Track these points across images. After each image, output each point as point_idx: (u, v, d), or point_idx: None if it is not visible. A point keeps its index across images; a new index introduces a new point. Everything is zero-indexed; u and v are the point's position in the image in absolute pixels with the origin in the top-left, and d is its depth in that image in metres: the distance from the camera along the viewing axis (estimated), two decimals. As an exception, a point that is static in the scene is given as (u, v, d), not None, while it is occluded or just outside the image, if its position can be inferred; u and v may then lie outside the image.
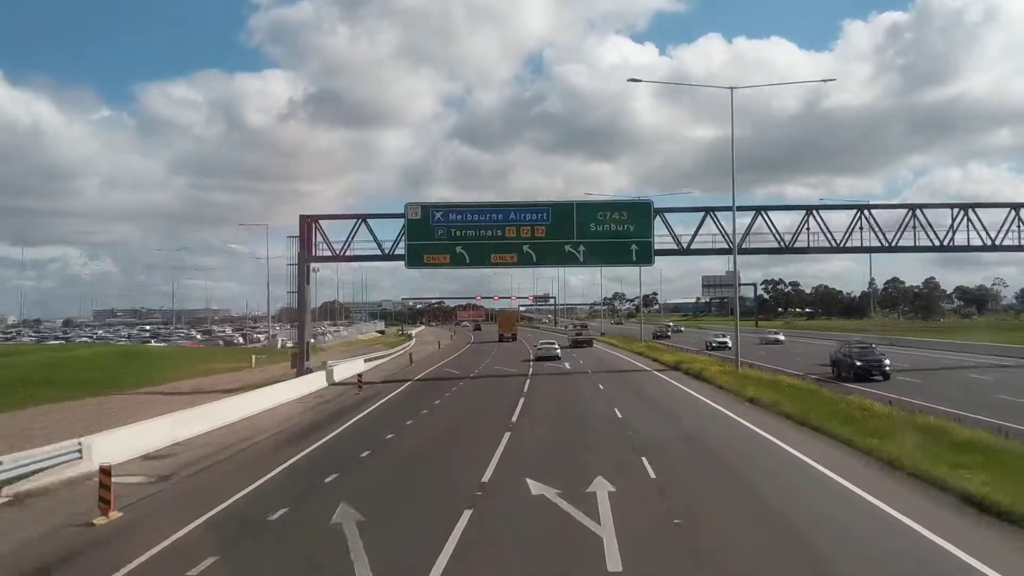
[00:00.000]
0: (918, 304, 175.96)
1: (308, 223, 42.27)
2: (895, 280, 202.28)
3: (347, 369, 46.04)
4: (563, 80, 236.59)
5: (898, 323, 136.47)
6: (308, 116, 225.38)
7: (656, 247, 42.14)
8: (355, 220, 42.57)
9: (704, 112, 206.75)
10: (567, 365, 51.44)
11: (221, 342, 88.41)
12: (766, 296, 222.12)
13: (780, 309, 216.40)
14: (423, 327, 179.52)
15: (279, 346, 78.28)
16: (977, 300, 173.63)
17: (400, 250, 41.92)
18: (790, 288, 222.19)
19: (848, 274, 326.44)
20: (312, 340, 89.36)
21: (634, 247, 41.69)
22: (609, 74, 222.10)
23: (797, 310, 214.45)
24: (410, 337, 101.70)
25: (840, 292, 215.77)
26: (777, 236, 42.13)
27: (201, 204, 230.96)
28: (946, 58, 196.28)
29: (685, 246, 42.46)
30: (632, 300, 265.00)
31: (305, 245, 41.99)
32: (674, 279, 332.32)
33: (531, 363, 54.02)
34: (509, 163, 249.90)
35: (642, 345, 65.34)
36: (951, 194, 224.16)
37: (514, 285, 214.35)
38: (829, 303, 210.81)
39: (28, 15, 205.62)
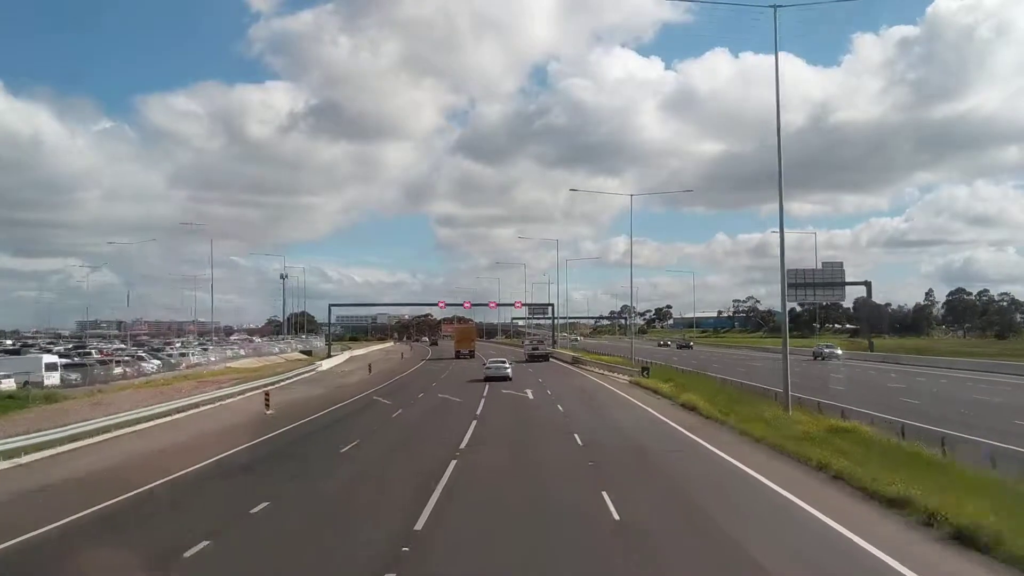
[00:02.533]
0: (990, 320, 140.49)
1: None
2: (960, 291, 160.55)
3: None
4: (568, 93, 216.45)
5: (975, 343, 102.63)
6: (309, 128, 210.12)
7: None
8: None
9: (710, 126, 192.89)
10: None
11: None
12: (799, 308, 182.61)
13: (816, 325, 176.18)
14: (390, 343, 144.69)
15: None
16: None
17: None
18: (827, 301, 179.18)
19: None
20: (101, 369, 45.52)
21: None
22: (614, 88, 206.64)
23: (836, 326, 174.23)
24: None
25: (887, 305, 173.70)
26: None
27: (202, 217, 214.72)
28: (956, 74, 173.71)
29: None
30: (643, 314, 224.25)
31: None
32: (678, 294, 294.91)
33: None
34: (513, 178, 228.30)
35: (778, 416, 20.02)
36: (957, 211, 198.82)
37: (501, 289, 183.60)
38: (876, 318, 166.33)
39: (27, 24, 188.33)
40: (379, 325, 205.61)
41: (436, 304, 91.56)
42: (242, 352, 76.53)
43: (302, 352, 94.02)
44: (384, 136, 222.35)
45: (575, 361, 67.52)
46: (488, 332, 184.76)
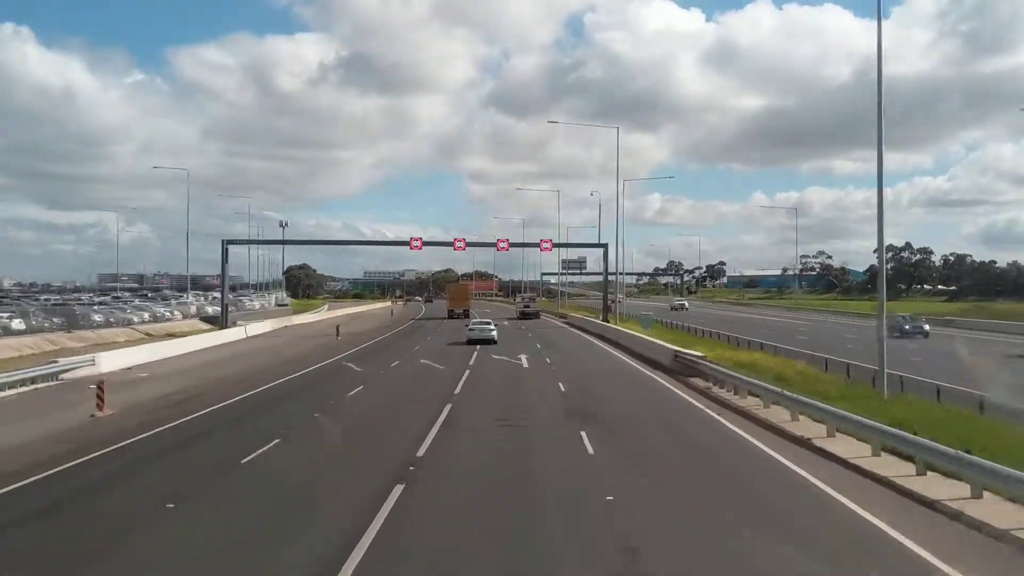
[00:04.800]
0: None
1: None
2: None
3: None
4: (604, 46, 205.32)
5: None
6: (340, 81, 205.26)
7: None
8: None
9: (751, 81, 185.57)
10: None
11: None
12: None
13: (902, 286, 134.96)
14: (389, 303, 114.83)
15: None
16: None
17: None
18: (919, 255, 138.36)
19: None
20: None
21: None
22: (653, 40, 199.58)
23: (926, 287, 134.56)
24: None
25: (992, 263, 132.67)
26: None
27: (235, 171, 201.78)
28: (1009, 26, 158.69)
29: None
30: (692, 271, 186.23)
31: None
32: (712, 254, 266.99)
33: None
34: (547, 133, 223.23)
35: None
36: (1003, 171, 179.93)
37: (525, 232, 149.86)
38: (981, 280, 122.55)
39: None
40: (402, 282, 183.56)
41: (407, 243, 52.89)
42: (16, 324, 38.73)
43: (203, 320, 56.61)
44: (416, 89, 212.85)
45: (684, 367, 27.64)
46: (515, 291, 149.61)
